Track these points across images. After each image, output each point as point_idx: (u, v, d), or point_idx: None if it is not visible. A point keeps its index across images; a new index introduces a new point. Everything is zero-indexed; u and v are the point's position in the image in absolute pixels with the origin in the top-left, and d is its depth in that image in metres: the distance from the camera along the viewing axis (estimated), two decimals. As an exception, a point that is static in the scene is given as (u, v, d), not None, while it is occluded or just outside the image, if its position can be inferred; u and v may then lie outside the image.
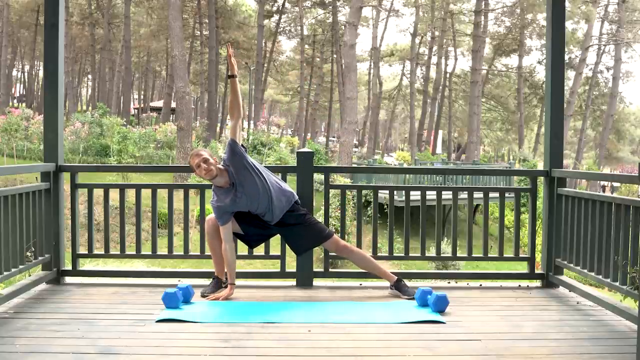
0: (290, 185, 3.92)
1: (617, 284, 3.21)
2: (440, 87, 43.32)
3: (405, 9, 47.58)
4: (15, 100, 48.38)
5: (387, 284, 3.88)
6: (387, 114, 54.72)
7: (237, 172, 3.63)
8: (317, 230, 3.79)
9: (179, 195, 7.14)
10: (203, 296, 3.65)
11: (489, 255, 4.39)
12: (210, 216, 3.78)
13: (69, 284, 4.03)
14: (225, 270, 3.77)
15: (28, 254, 3.62)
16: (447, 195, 4.71)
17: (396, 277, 3.82)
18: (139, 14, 41.20)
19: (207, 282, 3.89)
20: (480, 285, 4.22)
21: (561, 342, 2.92)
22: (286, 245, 4.13)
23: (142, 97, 55.29)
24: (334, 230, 3.91)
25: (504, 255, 4.37)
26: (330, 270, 4.25)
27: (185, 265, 9.44)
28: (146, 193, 4.21)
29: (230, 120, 3.76)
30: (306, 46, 41.98)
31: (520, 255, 4.39)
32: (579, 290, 3.78)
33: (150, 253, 4.27)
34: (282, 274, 4.17)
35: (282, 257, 4.15)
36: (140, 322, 3.13)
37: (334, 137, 46.15)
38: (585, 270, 3.58)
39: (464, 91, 43.77)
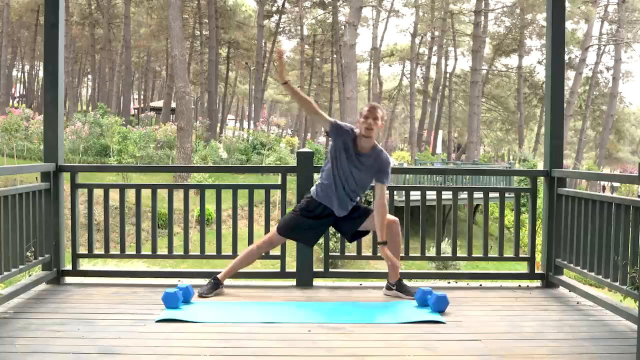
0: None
1: (617, 284, 3.22)
2: (440, 87, 43.33)
3: (405, 9, 47.63)
4: (15, 101, 48.34)
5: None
6: (387, 114, 54.72)
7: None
8: (362, 210, 3.79)
9: (179, 195, 7.15)
10: (201, 296, 3.65)
11: (489, 255, 4.38)
12: (274, 233, 3.79)
13: (69, 284, 4.03)
14: (230, 268, 3.80)
15: (28, 254, 3.62)
16: (447, 195, 4.71)
17: (399, 277, 3.82)
18: (139, 14, 41.20)
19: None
20: (480, 285, 4.22)
21: (561, 342, 2.92)
22: (286, 245, 4.14)
23: (142, 97, 55.26)
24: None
25: (504, 256, 4.37)
26: (330, 270, 4.25)
27: (185, 265, 9.44)
28: (146, 193, 4.20)
29: (309, 114, 3.69)
30: (306, 46, 41.98)
31: (520, 256, 4.40)
32: (579, 290, 3.78)
33: (150, 253, 4.27)
34: (282, 274, 4.17)
35: (282, 257, 4.15)
36: (140, 322, 3.13)
37: (334, 137, 45.96)
38: (585, 270, 3.58)
39: (464, 91, 43.77)
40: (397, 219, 3.77)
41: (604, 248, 3.37)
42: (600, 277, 3.41)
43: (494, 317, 3.38)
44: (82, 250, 4.26)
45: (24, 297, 3.59)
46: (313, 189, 3.79)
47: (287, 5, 41.57)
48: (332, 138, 3.66)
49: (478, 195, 4.59)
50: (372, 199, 3.93)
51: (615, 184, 25.38)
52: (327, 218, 3.77)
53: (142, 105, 50.29)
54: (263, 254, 3.92)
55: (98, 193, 4.27)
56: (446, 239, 11.04)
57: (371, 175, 3.70)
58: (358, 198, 3.82)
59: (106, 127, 21.65)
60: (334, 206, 3.70)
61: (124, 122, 25.23)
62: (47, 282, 3.93)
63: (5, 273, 3.37)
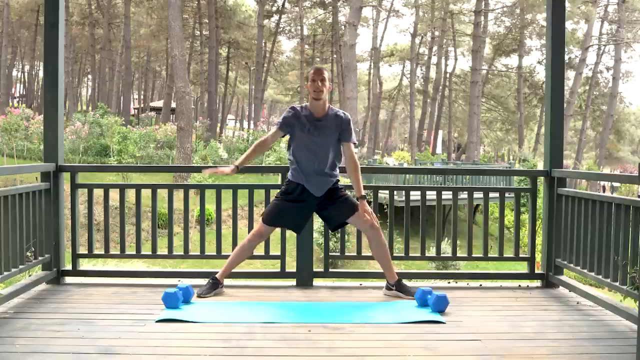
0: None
1: (617, 284, 3.22)
2: (440, 87, 43.33)
3: (406, 9, 47.62)
4: (15, 101, 48.33)
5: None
6: (387, 114, 54.71)
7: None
8: (350, 203, 3.76)
9: (179, 195, 7.14)
10: (199, 296, 3.65)
11: (489, 255, 4.38)
12: (260, 224, 3.78)
13: (69, 284, 4.03)
14: (227, 266, 3.79)
15: (28, 254, 3.62)
16: (447, 195, 4.71)
17: (397, 277, 3.81)
18: (139, 14, 41.18)
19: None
20: (480, 285, 4.22)
21: (561, 342, 2.92)
22: (286, 245, 4.14)
23: (142, 97, 55.26)
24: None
25: (504, 256, 4.37)
26: (330, 270, 4.25)
27: (185, 265, 9.44)
28: (146, 193, 4.20)
29: (268, 148, 4.06)
30: (306, 46, 41.97)
31: (520, 256, 4.40)
32: (579, 290, 3.78)
33: (150, 253, 4.27)
34: (282, 274, 4.17)
35: (282, 257, 4.15)
36: (140, 322, 3.13)
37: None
38: (585, 270, 3.58)
39: (464, 91, 43.76)
40: (378, 226, 3.75)
41: (604, 248, 3.37)
42: (600, 277, 3.41)
43: (494, 317, 3.38)
44: (82, 250, 4.26)
45: (24, 297, 3.59)
46: (289, 172, 3.82)
47: (287, 5, 41.55)
48: (290, 132, 3.72)
49: (478, 195, 4.60)
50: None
51: (615, 184, 25.37)
52: (309, 202, 3.74)
53: (142, 105, 50.28)
54: (255, 248, 3.86)
55: (98, 193, 4.27)
56: (446, 239, 11.04)
57: (335, 136, 3.71)
58: (336, 172, 3.78)
59: (106, 127, 21.66)
60: (308, 185, 3.70)
61: (124, 122, 25.24)
62: (47, 282, 3.93)
63: (5, 273, 3.37)
